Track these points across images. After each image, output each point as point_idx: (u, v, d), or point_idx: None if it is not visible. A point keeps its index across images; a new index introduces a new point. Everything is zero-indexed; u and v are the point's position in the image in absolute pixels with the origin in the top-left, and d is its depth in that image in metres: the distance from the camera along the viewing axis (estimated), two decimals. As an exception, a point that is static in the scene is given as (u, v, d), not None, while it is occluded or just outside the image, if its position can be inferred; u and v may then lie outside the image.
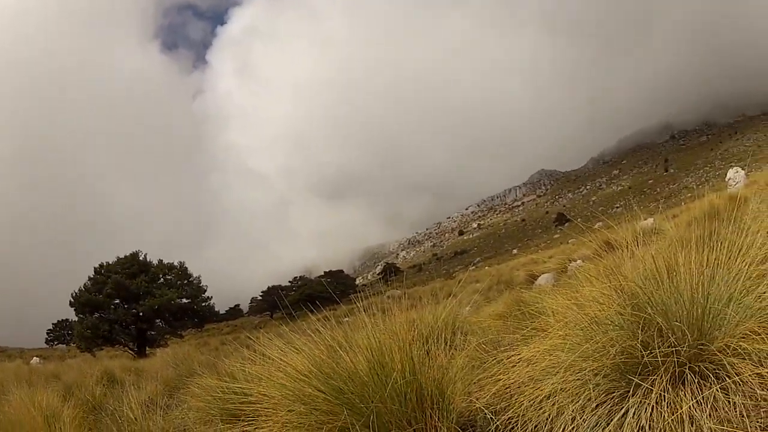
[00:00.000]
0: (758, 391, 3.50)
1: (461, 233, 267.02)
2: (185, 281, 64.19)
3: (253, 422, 5.03)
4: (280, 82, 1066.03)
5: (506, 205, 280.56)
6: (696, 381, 3.66)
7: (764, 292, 4.16)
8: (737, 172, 26.99)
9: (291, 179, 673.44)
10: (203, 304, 64.28)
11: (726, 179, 27.36)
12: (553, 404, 3.94)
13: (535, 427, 3.96)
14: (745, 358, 3.66)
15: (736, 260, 4.41)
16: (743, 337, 3.78)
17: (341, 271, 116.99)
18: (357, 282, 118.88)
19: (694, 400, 3.52)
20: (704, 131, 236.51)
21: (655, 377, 3.71)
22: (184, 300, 62.81)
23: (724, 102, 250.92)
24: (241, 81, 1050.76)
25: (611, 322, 4.22)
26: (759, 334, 3.73)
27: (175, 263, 64.88)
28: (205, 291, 64.76)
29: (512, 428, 4.12)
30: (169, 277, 63.54)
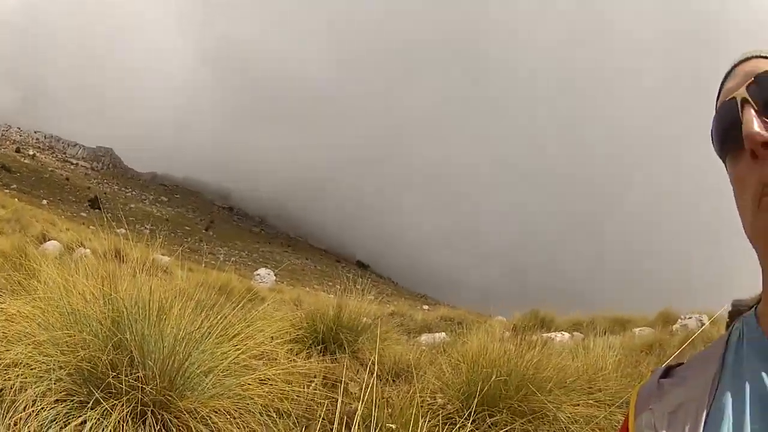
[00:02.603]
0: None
1: (18, 150, 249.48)
2: None
3: None
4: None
5: (65, 155, 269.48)
6: (158, 429, 3.48)
7: (250, 385, 4.18)
8: (269, 273, 28.31)
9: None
10: None
11: (255, 273, 28.47)
12: (17, 376, 3.64)
13: (1, 389, 3.64)
14: (213, 431, 3.57)
15: (230, 340, 4.38)
16: (216, 412, 3.71)
17: None
18: None
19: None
20: (260, 225, 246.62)
21: (116, 402, 3.50)
22: None
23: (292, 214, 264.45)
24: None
25: (90, 324, 4.01)
26: (234, 417, 3.65)
27: None
28: None
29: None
30: None
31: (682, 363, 1.22)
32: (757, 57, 1.12)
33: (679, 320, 16.31)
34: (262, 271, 29.21)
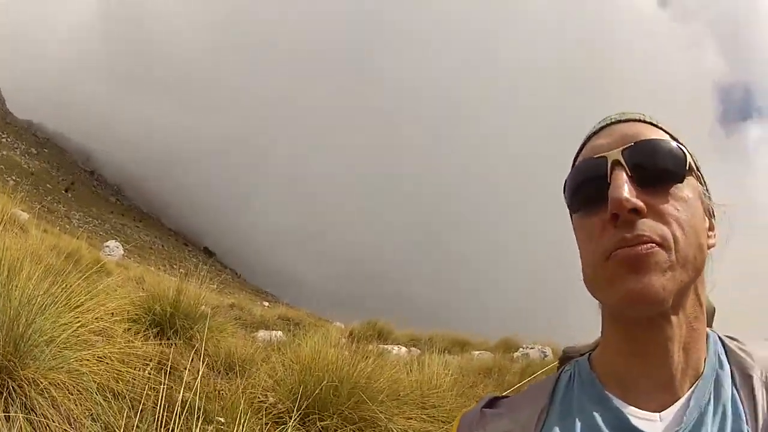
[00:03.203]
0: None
1: None
2: None
3: None
4: None
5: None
6: (3, 397, 3.39)
7: (88, 360, 4.08)
8: (118, 246, 27.87)
9: None
10: None
11: (105, 244, 27.94)
12: None
13: None
14: (52, 406, 3.50)
15: (72, 311, 4.30)
16: (55, 385, 3.63)
17: None
18: None
19: (3, 414, 3.25)
20: (117, 194, 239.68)
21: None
22: None
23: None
24: None
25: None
26: (71, 394, 3.59)
27: None
28: None
29: None
30: None
31: (507, 396, 1.26)
32: (639, 121, 1.13)
33: (521, 349, 16.34)
34: (111, 243, 28.59)
